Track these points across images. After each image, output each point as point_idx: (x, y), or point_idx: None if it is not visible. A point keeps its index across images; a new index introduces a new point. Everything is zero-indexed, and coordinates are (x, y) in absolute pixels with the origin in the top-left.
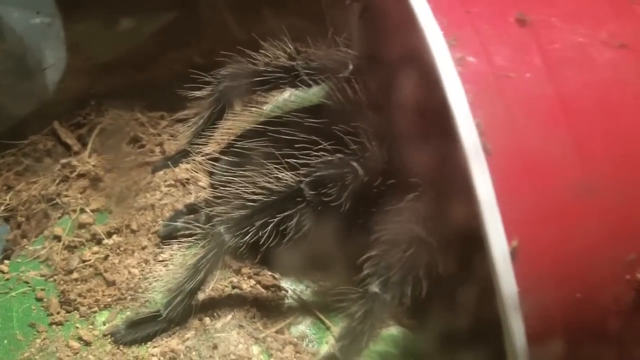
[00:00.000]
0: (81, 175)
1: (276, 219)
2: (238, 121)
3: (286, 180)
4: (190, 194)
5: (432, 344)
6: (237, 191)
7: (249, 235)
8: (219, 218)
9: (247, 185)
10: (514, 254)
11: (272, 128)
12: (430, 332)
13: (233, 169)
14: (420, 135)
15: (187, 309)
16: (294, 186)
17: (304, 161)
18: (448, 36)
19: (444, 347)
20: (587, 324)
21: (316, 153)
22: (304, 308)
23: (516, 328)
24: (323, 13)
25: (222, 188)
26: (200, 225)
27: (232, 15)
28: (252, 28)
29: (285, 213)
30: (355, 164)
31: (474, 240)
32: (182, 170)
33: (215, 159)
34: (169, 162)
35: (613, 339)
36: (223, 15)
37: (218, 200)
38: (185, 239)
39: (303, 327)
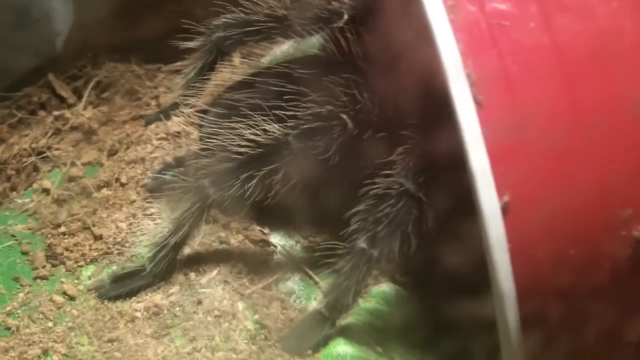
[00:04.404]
0: (74, 128)
1: (261, 173)
2: (232, 73)
3: (273, 132)
4: (182, 147)
5: (424, 302)
6: (223, 144)
7: (234, 189)
8: (203, 171)
9: (234, 137)
10: (505, 209)
11: (260, 79)
12: (423, 290)
13: (220, 121)
14: (412, 86)
15: (171, 263)
16: (281, 139)
17: (292, 113)
18: None
19: (435, 305)
20: (581, 282)
21: (305, 105)
22: (293, 264)
23: (506, 286)
24: None
25: (209, 140)
26: (186, 178)
27: None
28: None
29: (271, 166)
30: (344, 116)
31: (464, 195)
32: (175, 123)
33: (204, 111)
34: (161, 115)
35: (608, 298)
36: None
37: (204, 153)
38: (173, 192)
39: (291, 283)
